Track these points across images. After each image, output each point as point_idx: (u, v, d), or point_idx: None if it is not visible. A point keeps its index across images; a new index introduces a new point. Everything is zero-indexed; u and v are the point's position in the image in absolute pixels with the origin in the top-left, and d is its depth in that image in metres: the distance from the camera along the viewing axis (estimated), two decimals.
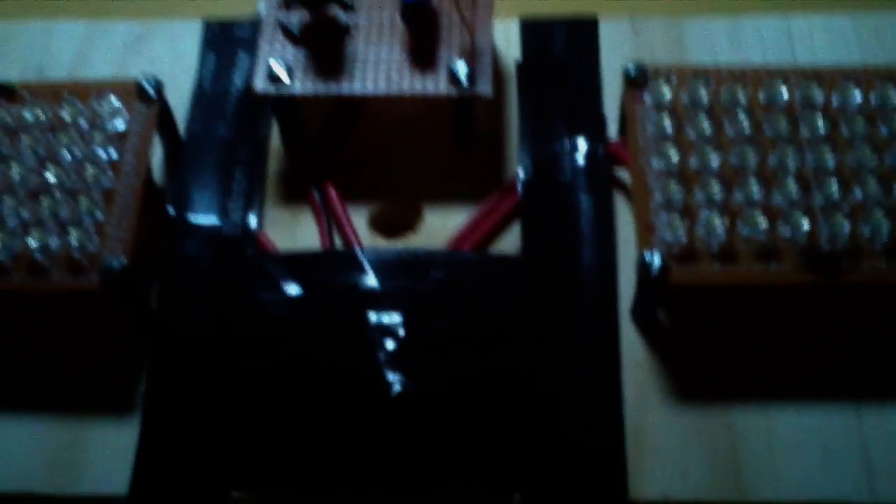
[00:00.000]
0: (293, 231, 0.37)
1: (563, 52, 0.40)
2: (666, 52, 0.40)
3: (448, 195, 0.37)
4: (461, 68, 0.36)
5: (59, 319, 0.35)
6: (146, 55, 0.41)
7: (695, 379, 0.33)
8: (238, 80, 0.40)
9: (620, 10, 0.42)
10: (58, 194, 0.34)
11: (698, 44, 0.40)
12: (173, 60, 0.41)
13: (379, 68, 0.36)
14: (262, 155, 0.38)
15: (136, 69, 0.40)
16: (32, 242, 0.33)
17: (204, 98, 0.39)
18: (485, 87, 0.36)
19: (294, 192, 0.38)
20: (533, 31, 0.40)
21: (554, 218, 0.36)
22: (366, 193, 0.37)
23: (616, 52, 0.40)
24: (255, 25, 0.40)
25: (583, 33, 0.40)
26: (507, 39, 0.40)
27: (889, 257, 0.32)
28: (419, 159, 0.38)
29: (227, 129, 0.38)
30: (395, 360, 0.33)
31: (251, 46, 0.40)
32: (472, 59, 0.36)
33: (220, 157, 0.38)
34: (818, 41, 0.40)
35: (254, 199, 0.37)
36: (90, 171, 0.34)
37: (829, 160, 0.33)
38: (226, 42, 0.41)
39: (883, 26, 0.40)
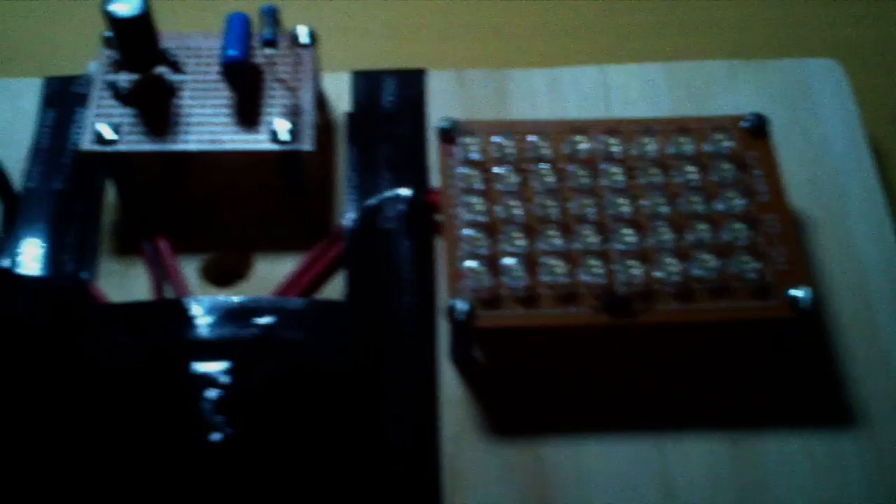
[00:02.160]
0: (127, 283, 0.38)
1: (391, 103, 0.41)
2: (489, 103, 0.42)
3: (278, 244, 0.39)
4: (282, 125, 0.37)
5: None
6: None
7: (508, 415, 0.35)
8: (74, 136, 0.41)
9: (454, 61, 0.44)
10: None
11: (519, 95, 0.42)
12: (14, 117, 0.42)
13: (204, 126, 0.38)
14: (96, 208, 0.39)
15: None
16: None
17: (41, 153, 0.40)
18: (306, 143, 0.37)
19: (128, 245, 0.39)
20: (363, 83, 0.42)
21: (376, 264, 0.37)
22: (197, 244, 0.39)
23: (443, 104, 0.42)
24: (91, 80, 0.41)
25: (410, 85, 0.42)
26: (337, 91, 0.42)
27: (679, 298, 0.34)
28: (249, 209, 0.39)
29: (63, 184, 0.39)
30: (217, 408, 0.34)
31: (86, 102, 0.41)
32: (295, 116, 0.38)
33: (55, 211, 0.39)
34: (632, 91, 0.42)
35: (87, 251, 0.38)
36: None
37: (626, 208, 0.35)
38: (64, 98, 0.42)
39: (691, 76, 0.42)
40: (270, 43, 0.38)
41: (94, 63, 0.39)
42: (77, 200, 0.39)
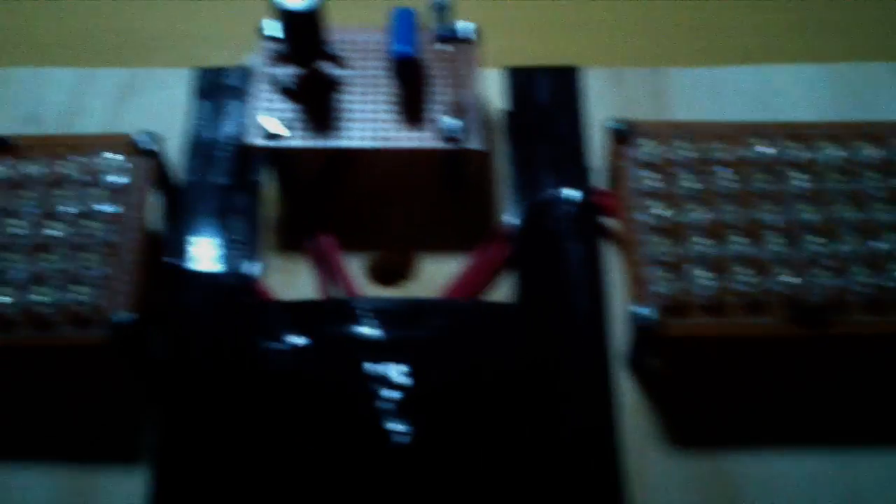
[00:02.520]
0: (291, 279, 0.38)
1: (546, 100, 0.41)
2: (647, 103, 0.41)
3: (440, 243, 0.38)
4: (452, 123, 0.37)
5: (60, 372, 0.35)
6: (137, 102, 0.42)
7: (690, 424, 0.34)
8: (229, 128, 0.40)
9: (607, 60, 0.43)
10: (62, 249, 0.34)
11: (679, 94, 0.41)
12: (164, 108, 0.41)
13: (370, 122, 0.37)
14: (257, 202, 0.39)
15: (129, 116, 0.41)
16: (39, 297, 0.33)
17: (197, 146, 0.40)
18: (476, 142, 0.37)
19: (291, 240, 0.38)
20: (517, 79, 0.41)
21: (545, 266, 0.37)
22: (361, 242, 0.38)
23: (599, 102, 0.41)
24: (244, 72, 0.41)
25: (565, 82, 0.41)
26: (489, 88, 0.41)
27: (871, 309, 0.33)
28: (410, 208, 0.39)
29: (222, 177, 0.39)
30: (395, 410, 0.34)
31: (241, 94, 0.41)
32: (461, 113, 0.37)
33: (217, 205, 0.38)
34: (793, 93, 0.41)
35: (251, 246, 0.38)
36: (92, 225, 0.35)
37: (811, 215, 0.34)
38: (216, 90, 0.41)
39: (854, 78, 0.41)
40: (445, 39, 0.37)
41: (252, 56, 0.39)
42: (238, 194, 0.39)
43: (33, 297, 0.33)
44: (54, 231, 0.35)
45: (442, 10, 0.38)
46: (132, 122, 0.40)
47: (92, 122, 0.41)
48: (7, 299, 0.33)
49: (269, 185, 0.39)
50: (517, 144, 0.40)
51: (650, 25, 0.46)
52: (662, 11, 0.46)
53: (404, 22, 0.37)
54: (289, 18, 0.36)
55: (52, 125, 0.41)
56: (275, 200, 0.39)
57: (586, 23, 0.46)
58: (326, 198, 0.39)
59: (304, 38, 0.37)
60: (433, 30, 0.38)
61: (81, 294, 0.33)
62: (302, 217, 0.38)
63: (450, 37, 0.38)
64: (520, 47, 0.44)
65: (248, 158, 0.39)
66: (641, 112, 0.40)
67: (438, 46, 0.38)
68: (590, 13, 0.46)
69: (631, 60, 0.44)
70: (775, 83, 0.41)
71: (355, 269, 0.38)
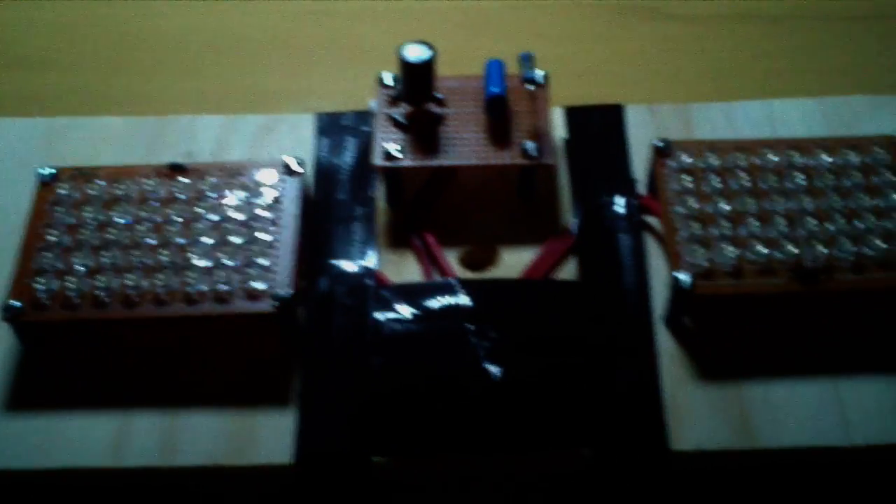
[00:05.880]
0: (400, 269, 0.48)
1: (598, 130, 0.52)
2: (676, 130, 0.52)
3: (518, 239, 0.49)
4: (530, 145, 0.48)
5: (235, 339, 0.46)
6: (273, 141, 0.53)
7: (714, 362, 0.44)
8: (348, 158, 0.51)
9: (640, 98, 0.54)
10: (239, 245, 0.45)
11: (701, 123, 0.52)
12: (295, 144, 0.53)
13: (467, 145, 0.48)
14: (372, 212, 0.50)
15: (266, 152, 0.52)
16: (222, 285, 0.44)
17: (322, 171, 0.51)
18: (550, 159, 0.48)
19: (398, 240, 0.49)
20: (574, 115, 0.53)
21: (602, 253, 0.47)
22: (454, 239, 0.49)
23: (639, 130, 0.52)
24: (357, 115, 0.52)
25: (612, 116, 0.53)
26: (553, 122, 0.52)
27: (854, 271, 0.44)
28: (495, 211, 0.50)
29: (344, 194, 0.50)
30: (490, 356, 0.44)
31: (354, 132, 0.52)
32: (537, 137, 0.48)
33: (342, 214, 0.49)
34: (793, 120, 0.52)
35: (369, 245, 0.48)
36: (261, 226, 0.46)
37: (808, 204, 0.45)
38: (335, 129, 0.53)
39: (843, 109, 0.52)
40: (531, 81, 0.48)
41: (373, 101, 0.50)
42: (356, 206, 0.50)
43: (215, 279, 0.44)
44: (235, 238, 0.46)
45: (529, 61, 0.49)
46: (269, 157, 0.51)
47: (236, 157, 0.52)
48: (196, 284, 0.44)
49: (381, 198, 0.50)
50: (576, 164, 0.51)
51: (677, 68, 0.57)
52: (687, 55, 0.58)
53: (496, 70, 0.48)
54: (408, 68, 0.47)
55: (205, 160, 0.52)
56: (384, 210, 0.50)
57: (626, 70, 0.57)
58: (428, 205, 0.50)
59: (419, 84, 0.48)
60: (524, 75, 0.49)
61: (253, 278, 0.44)
62: (409, 221, 0.49)
63: (530, 80, 0.49)
64: (575, 92, 0.55)
65: (362, 179, 0.50)
66: (672, 137, 0.51)
67: (528, 87, 0.49)
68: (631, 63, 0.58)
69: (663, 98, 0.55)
70: (777, 113, 0.52)
71: (451, 259, 0.48)
